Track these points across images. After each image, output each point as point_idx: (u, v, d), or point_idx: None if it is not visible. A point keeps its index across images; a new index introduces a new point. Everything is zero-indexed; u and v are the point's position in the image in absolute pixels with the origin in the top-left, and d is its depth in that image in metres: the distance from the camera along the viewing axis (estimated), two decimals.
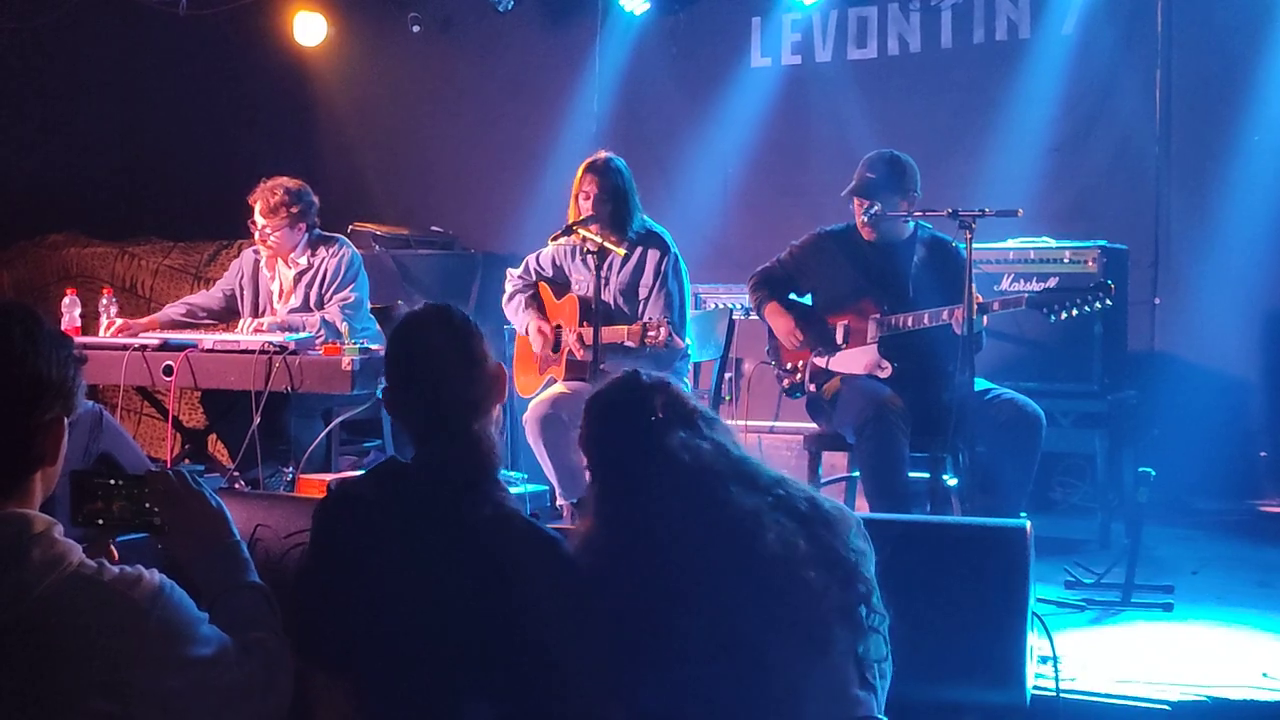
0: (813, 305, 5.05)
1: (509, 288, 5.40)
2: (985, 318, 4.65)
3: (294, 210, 5.46)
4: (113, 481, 2.30)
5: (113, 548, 2.23)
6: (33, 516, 1.95)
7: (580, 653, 2.32)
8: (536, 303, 5.33)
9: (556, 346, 5.19)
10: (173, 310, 5.71)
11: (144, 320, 5.58)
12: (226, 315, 5.73)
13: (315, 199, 5.56)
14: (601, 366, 4.74)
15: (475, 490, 2.36)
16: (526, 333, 5.27)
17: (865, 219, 4.84)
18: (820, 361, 4.87)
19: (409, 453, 2.47)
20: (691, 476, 2.40)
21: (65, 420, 2.01)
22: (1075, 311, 4.55)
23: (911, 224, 4.88)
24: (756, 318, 5.21)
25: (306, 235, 5.54)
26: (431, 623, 2.29)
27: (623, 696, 2.41)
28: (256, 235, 5.50)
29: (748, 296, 5.22)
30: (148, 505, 2.29)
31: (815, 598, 2.31)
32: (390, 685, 2.31)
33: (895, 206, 4.80)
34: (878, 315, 4.80)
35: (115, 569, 1.96)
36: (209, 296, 5.79)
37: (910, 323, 4.73)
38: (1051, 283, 5.52)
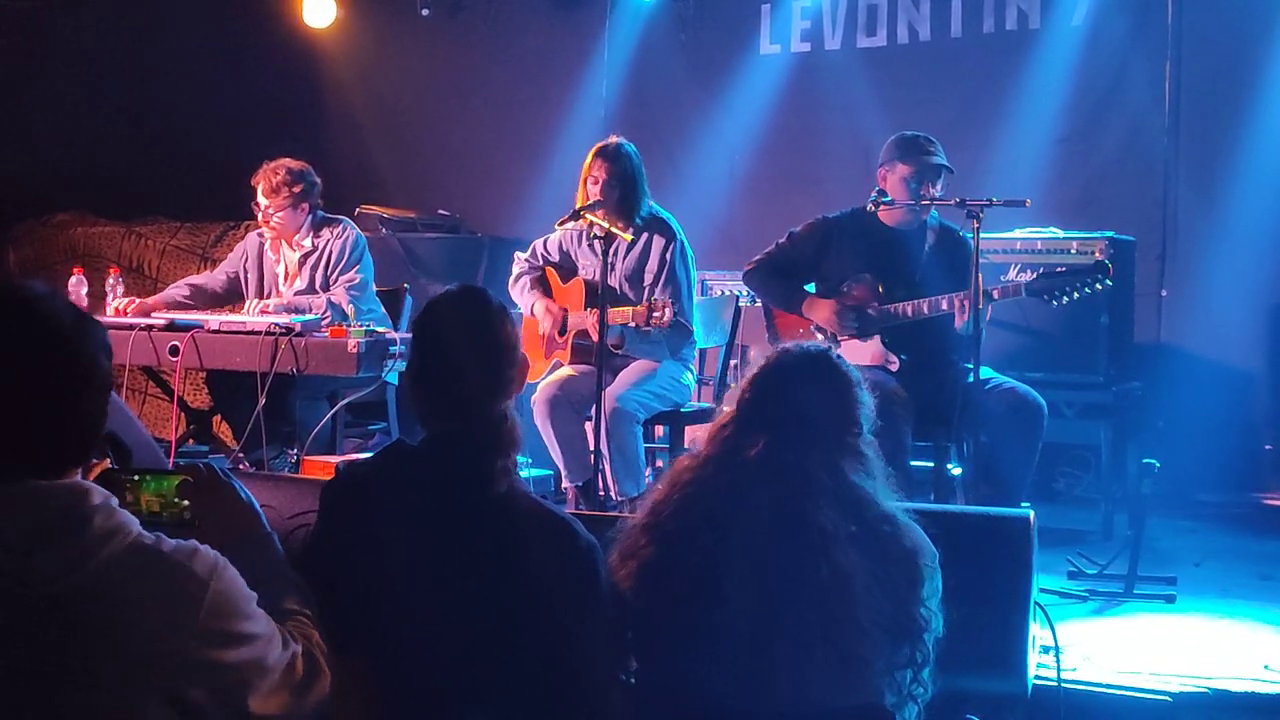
0: (815, 294, 5.01)
1: (516, 269, 5.40)
2: (990, 309, 4.63)
3: (296, 190, 5.43)
4: (138, 476, 2.30)
5: None
6: (91, 488, 1.95)
7: (591, 631, 2.32)
8: (542, 285, 5.33)
9: (564, 330, 5.19)
10: (175, 291, 5.68)
11: (151, 300, 5.57)
12: (228, 298, 5.71)
13: (318, 180, 5.54)
14: (611, 344, 4.75)
15: (487, 471, 2.36)
16: (533, 313, 5.26)
17: (910, 202, 4.73)
18: None
19: (417, 435, 2.47)
20: (779, 474, 2.40)
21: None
22: (1076, 295, 4.52)
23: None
24: (763, 307, 5.18)
25: (310, 217, 5.52)
26: (442, 603, 2.29)
27: (628, 680, 2.41)
28: (260, 216, 5.49)
29: (749, 286, 5.18)
30: (178, 499, 2.29)
31: (857, 637, 2.28)
32: (399, 664, 2.31)
33: None
34: (876, 305, 4.78)
35: (173, 541, 1.95)
36: (212, 278, 5.77)
37: (909, 312, 4.71)
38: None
